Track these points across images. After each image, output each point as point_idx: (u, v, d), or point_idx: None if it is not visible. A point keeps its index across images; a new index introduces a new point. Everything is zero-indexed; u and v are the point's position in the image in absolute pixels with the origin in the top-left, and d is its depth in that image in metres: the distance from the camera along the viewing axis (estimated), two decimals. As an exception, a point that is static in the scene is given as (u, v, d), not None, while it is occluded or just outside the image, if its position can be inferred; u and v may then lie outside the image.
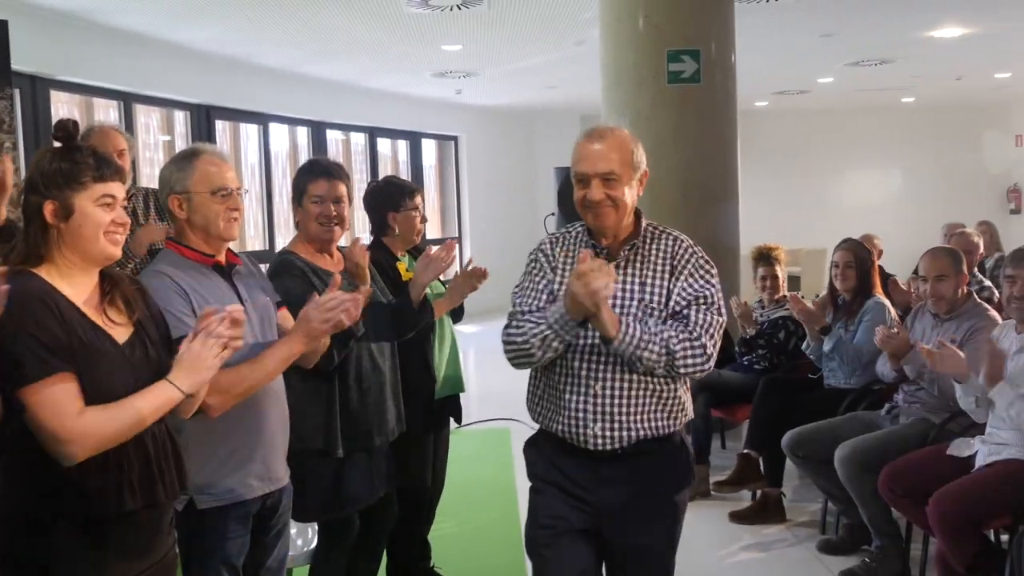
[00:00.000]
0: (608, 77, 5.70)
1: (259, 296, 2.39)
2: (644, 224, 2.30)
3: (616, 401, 2.21)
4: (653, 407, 2.24)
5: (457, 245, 3.11)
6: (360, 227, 8.42)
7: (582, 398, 2.22)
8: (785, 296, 4.91)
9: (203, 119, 8.00)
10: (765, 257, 4.99)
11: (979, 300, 3.87)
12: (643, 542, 2.29)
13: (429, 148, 12.19)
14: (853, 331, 4.26)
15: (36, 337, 1.67)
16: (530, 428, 2.44)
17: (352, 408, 2.80)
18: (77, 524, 1.74)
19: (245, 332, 1.91)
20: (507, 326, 2.25)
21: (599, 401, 2.21)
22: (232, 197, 2.30)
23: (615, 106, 5.62)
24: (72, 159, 1.79)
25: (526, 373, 2.36)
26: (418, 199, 3.42)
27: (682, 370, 2.16)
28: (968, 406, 3.35)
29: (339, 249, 2.94)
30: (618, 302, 2.21)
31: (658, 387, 2.24)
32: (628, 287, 2.23)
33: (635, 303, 2.22)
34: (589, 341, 2.20)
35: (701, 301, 2.21)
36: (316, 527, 3.02)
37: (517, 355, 2.22)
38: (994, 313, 3.76)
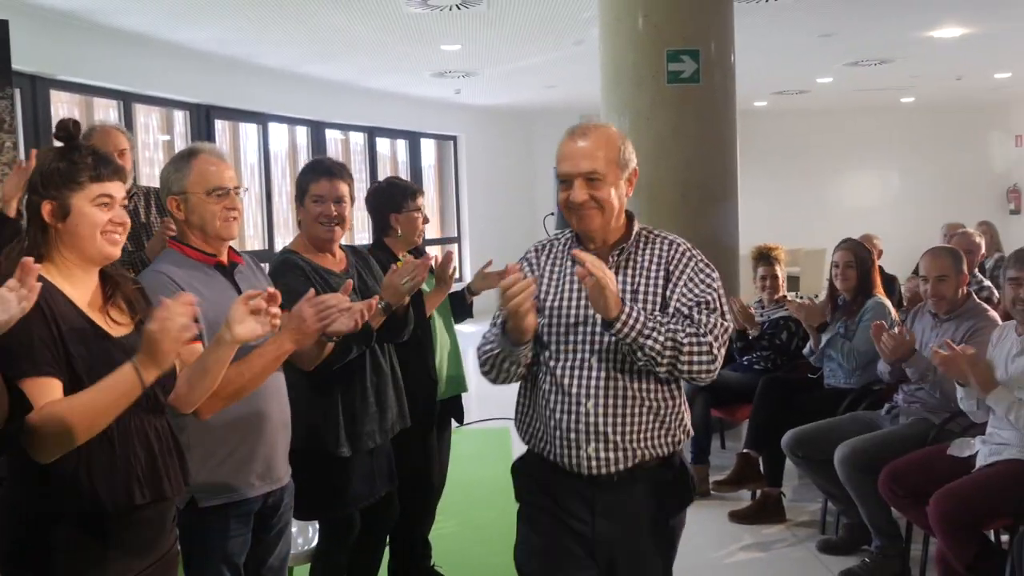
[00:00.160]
0: (607, 77, 5.70)
1: (260, 296, 2.38)
2: (637, 228, 2.15)
3: (610, 420, 2.05)
4: (650, 426, 2.08)
5: (431, 264, 3.05)
6: (361, 227, 8.44)
7: (572, 417, 2.06)
8: (785, 296, 4.92)
9: (203, 119, 8.00)
10: (765, 257, 4.99)
11: (979, 300, 3.88)
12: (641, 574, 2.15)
13: (428, 148, 12.19)
14: (853, 331, 4.26)
15: (25, 335, 1.66)
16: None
17: (353, 407, 2.80)
18: (81, 521, 1.75)
19: None
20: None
21: (591, 420, 2.05)
22: (229, 196, 2.29)
23: (614, 106, 5.63)
24: (70, 159, 1.80)
25: None
26: (420, 200, 3.43)
27: (686, 368, 2.00)
28: (969, 408, 3.34)
29: (342, 248, 2.94)
30: None
31: (655, 404, 2.08)
32: (621, 295, 2.03)
33: None
34: (579, 355, 2.07)
35: (704, 306, 2.06)
36: (317, 525, 3.03)
37: (484, 370, 2.15)
38: (994, 314, 3.77)
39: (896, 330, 3.72)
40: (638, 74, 5.44)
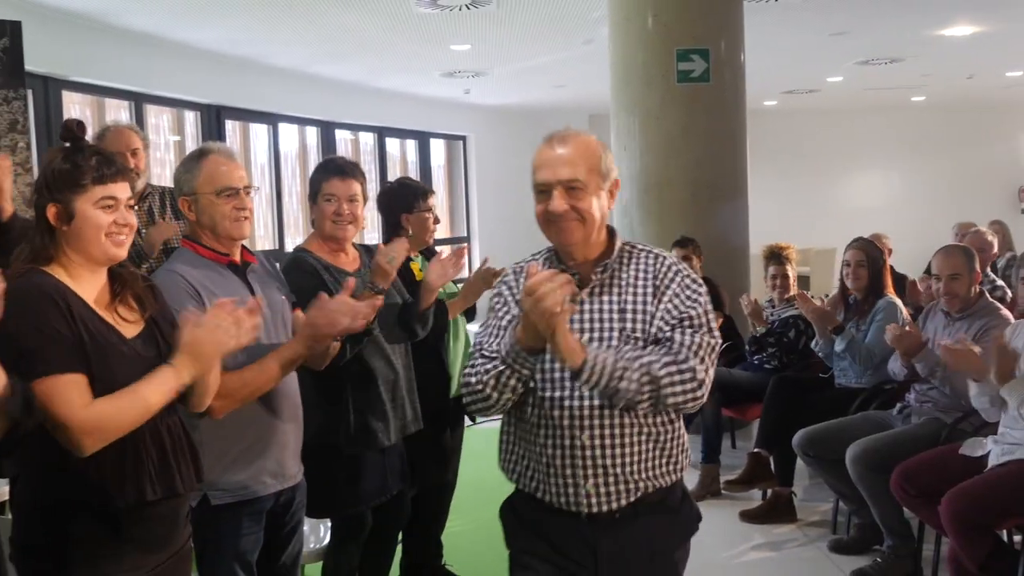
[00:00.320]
0: (617, 76, 5.71)
1: (274, 295, 2.40)
2: (619, 243, 1.99)
3: (609, 452, 1.90)
4: (651, 454, 1.93)
5: (467, 251, 3.06)
6: (372, 227, 8.45)
7: (567, 452, 1.90)
8: (795, 295, 4.91)
9: (213, 119, 8.03)
10: (776, 256, 4.98)
11: (992, 299, 3.86)
12: None
13: (438, 148, 12.21)
14: (865, 330, 4.25)
15: (45, 333, 1.70)
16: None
17: (365, 406, 2.81)
18: (96, 516, 1.77)
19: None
20: (465, 368, 2.00)
21: (588, 454, 1.89)
22: (239, 196, 2.30)
23: (624, 105, 5.63)
24: (73, 161, 1.81)
25: None
26: (431, 200, 3.44)
27: (670, 400, 1.83)
28: (982, 405, 3.34)
29: (355, 247, 2.95)
30: (596, 333, 1.91)
31: (654, 430, 1.93)
32: (607, 315, 1.92)
33: (615, 333, 1.90)
34: (566, 383, 1.90)
35: (687, 322, 1.89)
36: (329, 523, 3.04)
37: (473, 399, 1.95)
38: (1006, 312, 3.75)
39: (908, 329, 3.73)
40: (648, 73, 5.45)
